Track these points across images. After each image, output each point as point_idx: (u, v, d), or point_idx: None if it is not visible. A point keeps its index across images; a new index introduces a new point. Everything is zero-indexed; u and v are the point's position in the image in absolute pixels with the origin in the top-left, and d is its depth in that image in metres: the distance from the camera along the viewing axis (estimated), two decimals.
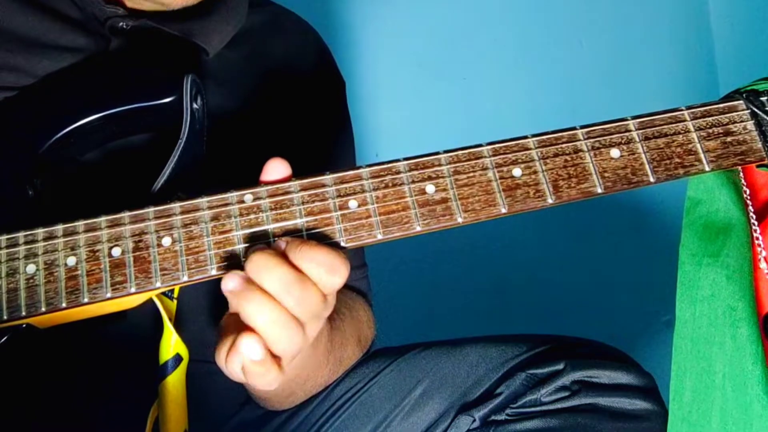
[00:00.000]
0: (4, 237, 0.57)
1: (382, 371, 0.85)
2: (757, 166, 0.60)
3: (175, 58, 0.72)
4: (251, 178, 0.58)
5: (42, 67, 0.70)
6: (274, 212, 0.56)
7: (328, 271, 0.53)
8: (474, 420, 0.79)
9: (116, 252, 0.56)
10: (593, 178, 0.57)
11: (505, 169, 0.57)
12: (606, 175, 0.57)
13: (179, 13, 0.75)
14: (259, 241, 0.56)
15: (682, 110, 0.59)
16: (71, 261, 0.56)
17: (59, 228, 0.57)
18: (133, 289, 0.55)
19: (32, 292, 0.55)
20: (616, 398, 0.76)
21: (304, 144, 0.83)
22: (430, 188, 0.57)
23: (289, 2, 0.93)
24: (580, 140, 0.58)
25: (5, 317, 0.55)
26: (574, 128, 0.58)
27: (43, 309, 0.55)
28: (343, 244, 0.56)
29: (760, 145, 0.57)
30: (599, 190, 0.57)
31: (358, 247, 0.58)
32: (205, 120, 0.67)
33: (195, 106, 0.65)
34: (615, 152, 0.58)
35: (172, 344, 0.64)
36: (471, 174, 0.57)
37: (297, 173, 0.58)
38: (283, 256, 0.53)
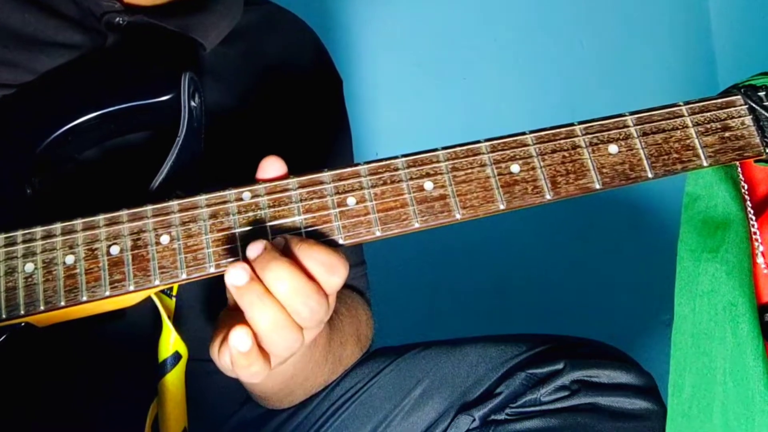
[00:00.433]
0: (2, 236, 0.57)
1: (381, 371, 0.85)
2: (755, 161, 0.60)
3: (173, 55, 0.71)
4: (248, 176, 0.58)
5: (39, 64, 0.70)
6: (272, 210, 0.56)
7: (327, 271, 0.53)
8: (474, 420, 0.79)
9: (115, 250, 0.56)
10: (591, 173, 0.57)
11: (503, 165, 0.57)
12: (604, 170, 0.57)
13: (176, 9, 0.75)
14: (258, 239, 0.56)
15: (679, 105, 0.59)
16: (70, 259, 0.56)
17: (57, 226, 0.57)
18: (131, 288, 0.55)
19: (31, 291, 0.55)
20: (616, 398, 0.76)
21: (302, 141, 0.83)
22: (428, 185, 0.57)
23: (289, 2, 0.93)
24: (577, 136, 0.58)
25: (4, 316, 0.55)
26: (571, 124, 0.58)
27: (42, 308, 0.55)
28: (341, 241, 0.56)
29: (757, 140, 0.57)
30: (597, 186, 0.57)
31: (357, 245, 0.58)
32: (202, 118, 0.67)
33: (193, 104, 0.65)
34: (613, 148, 0.57)
35: (171, 342, 0.64)
36: (469, 170, 0.57)
37: (295, 171, 0.58)
38: (292, 260, 0.53)
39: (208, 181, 0.60)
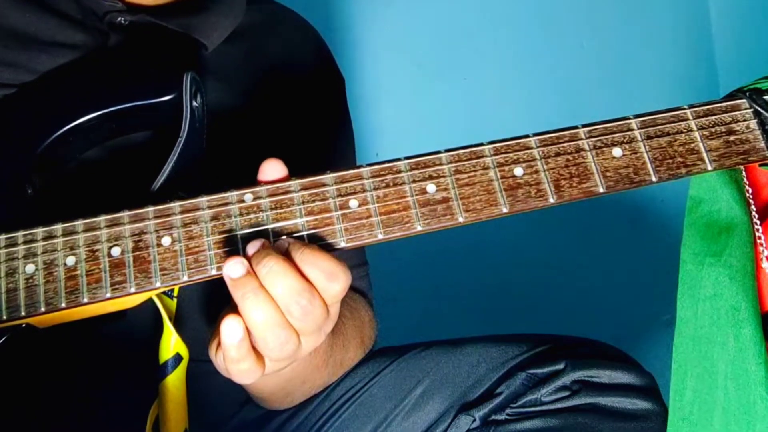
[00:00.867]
0: (3, 236, 0.57)
1: (382, 371, 0.85)
2: (760, 165, 0.59)
3: (175, 54, 0.71)
4: (251, 176, 0.58)
5: (40, 64, 0.70)
6: (274, 212, 0.56)
7: (327, 278, 0.53)
8: (474, 420, 0.79)
9: (116, 252, 0.56)
10: (595, 177, 0.57)
11: (506, 168, 0.57)
12: (608, 174, 0.57)
13: (178, 9, 0.75)
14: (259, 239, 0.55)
15: (684, 109, 0.59)
16: (70, 261, 0.55)
17: (58, 227, 0.56)
18: (132, 289, 0.55)
19: (31, 292, 0.55)
20: (617, 398, 0.76)
21: (304, 141, 0.83)
22: (431, 188, 0.56)
23: (291, 2, 0.93)
24: (581, 139, 0.58)
25: (5, 317, 0.55)
26: (575, 127, 0.58)
27: (43, 309, 0.55)
28: (343, 243, 0.56)
29: (762, 144, 0.57)
30: (601, 190, 0.57)
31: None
32: (204, 118, 0.67)
33: (195, 103, 0.65)
34: (617, 151, 0.57)
35: (172, 344, 0.64)
36: (472, 173, 0.57)
37: (296, 170, 0.58)
38: (290, 260, 0.53)
39: (210, 181, 0.60)
